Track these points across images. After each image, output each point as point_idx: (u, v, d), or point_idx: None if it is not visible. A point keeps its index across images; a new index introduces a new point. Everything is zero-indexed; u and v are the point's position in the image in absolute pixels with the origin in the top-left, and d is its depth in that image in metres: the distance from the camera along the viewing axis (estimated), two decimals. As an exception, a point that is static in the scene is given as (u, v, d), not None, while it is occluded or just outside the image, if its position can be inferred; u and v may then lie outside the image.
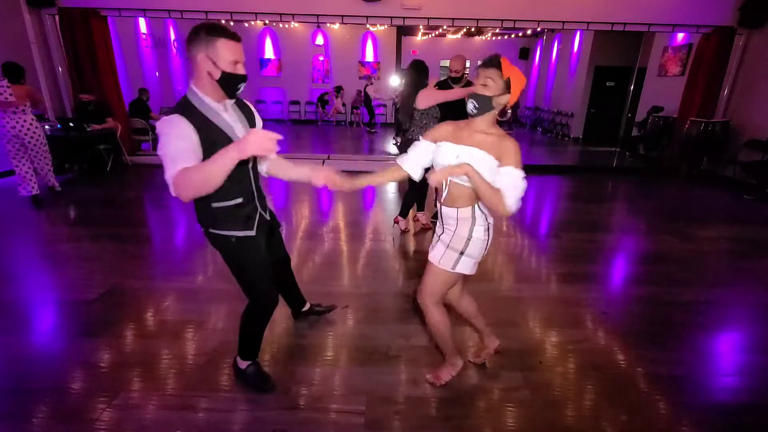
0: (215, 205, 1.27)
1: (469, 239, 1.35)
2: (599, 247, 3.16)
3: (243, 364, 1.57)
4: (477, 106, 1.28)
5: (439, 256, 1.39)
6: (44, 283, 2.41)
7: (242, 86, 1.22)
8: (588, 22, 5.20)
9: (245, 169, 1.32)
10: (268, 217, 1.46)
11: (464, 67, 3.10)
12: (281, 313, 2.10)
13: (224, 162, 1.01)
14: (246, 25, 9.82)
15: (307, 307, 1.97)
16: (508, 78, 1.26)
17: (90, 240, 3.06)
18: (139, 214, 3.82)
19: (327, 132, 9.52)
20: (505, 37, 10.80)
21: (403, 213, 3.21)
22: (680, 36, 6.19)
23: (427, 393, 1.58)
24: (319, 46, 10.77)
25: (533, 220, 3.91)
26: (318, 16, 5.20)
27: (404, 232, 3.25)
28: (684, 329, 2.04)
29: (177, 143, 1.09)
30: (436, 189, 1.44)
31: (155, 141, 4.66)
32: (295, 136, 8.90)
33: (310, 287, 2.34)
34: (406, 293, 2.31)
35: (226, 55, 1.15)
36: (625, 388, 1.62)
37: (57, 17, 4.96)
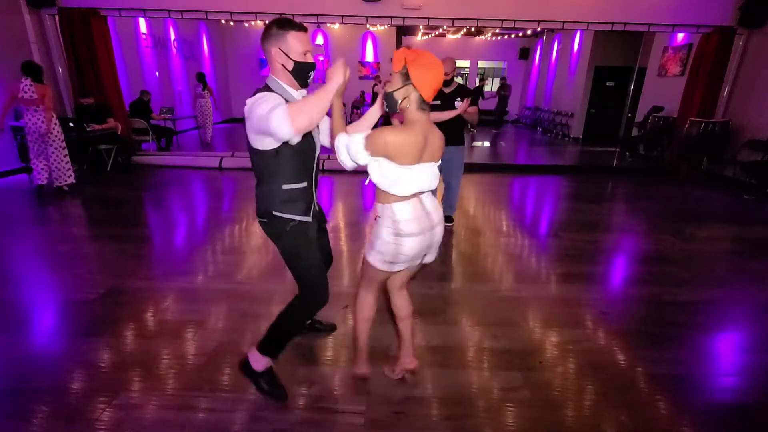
0: (285, 186, 1.34)
1: (378, 236, 1.31)
2: (599, 247, 3.16)
3: (259, 365, 1.48)
4: (386, 104, 1.26)
5: (366, 246, 1.42)
6: (44, 283, 2.41)
7: (312, 74, 1.31)
8: (588, 22, 5.20)
9: (313, 155, 1.39)
10: (317, 209, 1.51)
11: (453, 70, 3.06)
12: (279, 311, 2.10)
13: (325, 93, 1.17)
14: (246, 25, 9.83)
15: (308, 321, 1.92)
16: (404, 68, 1.18)
17: (90, 240, 3.06)
18: (139, 214, 3.82)
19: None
20: (506, 37, 10.80)
21: None
22: (680, 36, 6.19)
23: (427, 393, 1.58)
24: (319, 46, 10.77)
25: (533, 220, 3.91)
26: (318, 16, 5.20)
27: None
28: (684, 329, 2.04)
29: (275, 102, 1.19)
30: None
31: (157, 140, 4.69)
32: (295, 136, 8.89)
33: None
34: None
35: (296, 46, 1.24)
36: (625, 387, 1.63)
37: (57, 17, 4.96)
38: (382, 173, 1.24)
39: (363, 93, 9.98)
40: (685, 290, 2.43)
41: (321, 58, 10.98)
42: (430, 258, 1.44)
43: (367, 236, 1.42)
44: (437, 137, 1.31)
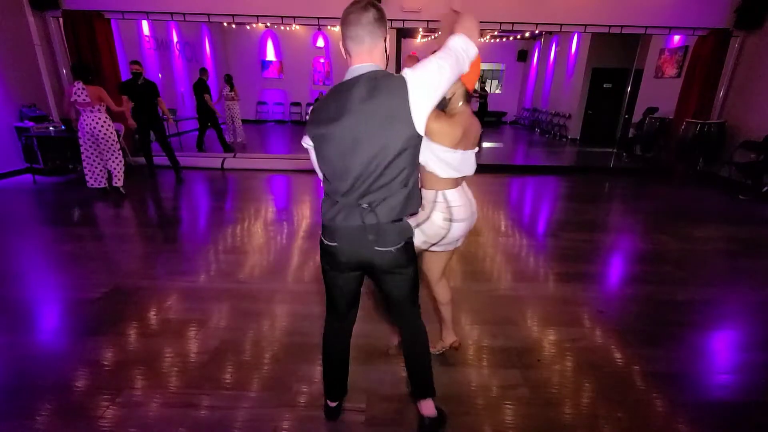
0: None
1: (428, 218, 1.40)
2: (596, 246, 3.19)
3: (432, 409, 1.36)
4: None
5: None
6: (48, 282, 2.42)
7: None
8: (585, 25, 5.24)
9: None
10: None
11: None
12: (282, 310, 2.12)
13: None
14: (248, 27, 9.89)
15: None
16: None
17: (93, 239, 3.08)
18: (142, 213, 3.84)
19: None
20: (504, 39, 10.86)
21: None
22: (676, 38, 6.24)
23: (426, 390, 1.60)
24: (320, 48, 10.83)
25: (531, 220, 3.94)
26: (318, 18, 5.24)
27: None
28: (680, 328, 2.07)
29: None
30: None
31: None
32: (296, 137, 8.93)
33: (311, 286, 2.36)
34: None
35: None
36: (622, 385, 1.65)
37: (61, 19, 5.00)
38: (435, 155, 1.31)
39: None
40: (681, 289, 2.46)
41: (322, 60, 11.04)
42: (460, 243, 1.56)
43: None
44: (476, 126, 1.42)
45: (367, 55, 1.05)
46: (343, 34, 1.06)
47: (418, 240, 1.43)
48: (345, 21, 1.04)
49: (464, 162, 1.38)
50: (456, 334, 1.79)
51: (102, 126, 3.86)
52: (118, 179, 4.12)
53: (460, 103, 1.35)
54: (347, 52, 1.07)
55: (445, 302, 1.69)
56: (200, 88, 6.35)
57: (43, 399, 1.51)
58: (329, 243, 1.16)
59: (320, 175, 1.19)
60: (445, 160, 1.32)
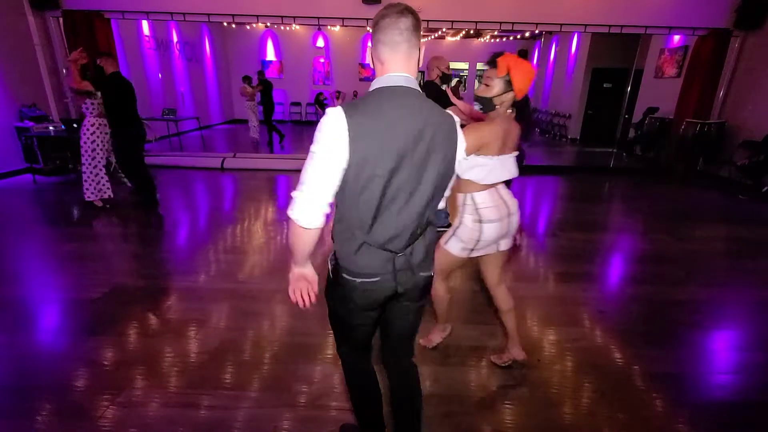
0: None
1: (460, 223, 1.47)
2: (596, 246, 3.19)
3: None
4: (481, 106, 1.36)
5: (445, 236, 1.52)
6: (48, 282, 2.42)
7: None
8: (585, 25, 5.24)
9: None
10: None
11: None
12: (282, 310, 2.12)
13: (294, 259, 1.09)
14: (247, 27, 9.88)
15: None
16: (507, 74, 1.29)
17: (93, 239, 3.08)
18: (141, 213, 3.84)
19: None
20: (504, 39, 10.86)
21: None
22: (676, 38, 6.24)
23: (426, 390, 1.60)
24: (320, 48, 10.82)
25: (531, 220, 3.94)
26: (318, 18, 5.23)
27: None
28: (680, 328, 2.06)
29: None
30: None
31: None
32: (296, 137, 8.94)
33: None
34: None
35: None
36: (622, 385, 1.65)
37: (61, 19, 5.00)
38: (478, 166, 1.35)
39: (356, 93, 10.28)
40: (681, 289, 2.46)
41: (321, 60, 11.04)
42: (505, 245, 1.57)
43: (446, 235, 1.50)
44: (515, 130, 1.44)
45: (403, 63, 0.94)
46: (376, 39, 0.95)
47: (456, 248, 1.47)
48: (379, 25, 0.94)
49: (502, 167, 1.41)
50: (456, 335, 1.79)
51: (81, 130, 3.46)
52: (88, 190, 3.58)
53: (509, 111, 1.39)
54: (378, 58, 0.96)
55: (506, 309, 1.67)
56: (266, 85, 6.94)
57: (43, 399, 1.51)
58: (366, 280, 0.97)
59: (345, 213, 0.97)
60: (488, 167, 1.37)
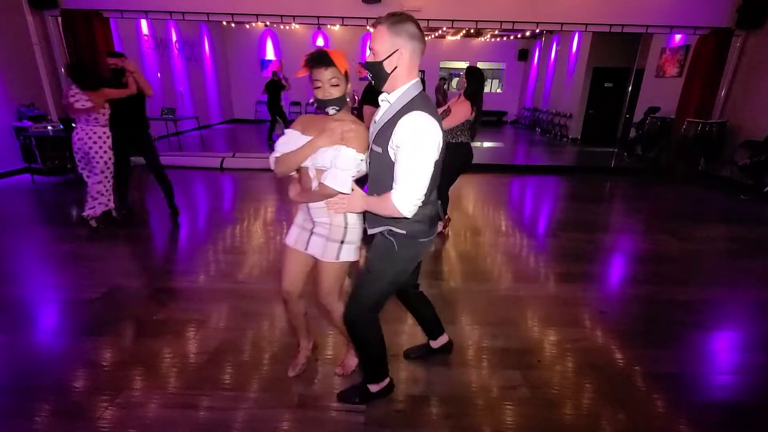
0: None
1: (346, 227, 1.35)
2: (597, 246, 3.18)
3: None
4: (337, 108, 1.25)
5: (321, 251, 1.37)
6: (47, 282, 2.42)
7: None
8: (586, 24, 5.23)
9: None
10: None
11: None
12: (282, 310, 2.11)
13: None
14: (247, 26, 9.86)
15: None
16: (346, 71, 1.25)
17: (91, 239, 3.07)
18: (140, 213, 3.83)
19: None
20: (504, 38, 10.84)
21: None
22: (678, 37, 6.23)
23: (426, 391, 1.59)
24: (320, 47, 10.79)
25: (532, 220, 3.93)
26: (318, 17, 5.22)
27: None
28: (681, 328, 2.06)
29: None
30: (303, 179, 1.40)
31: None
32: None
33: (309, 287, 2.35)
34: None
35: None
36: (623, 386, 1.64)
37: (59, 18, 4.98)
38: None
39: (355, 93, 10.20)
40: (683, 289, 2.45)
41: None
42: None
43: (319, 248, 1.38)
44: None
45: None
46: (413, 47, 1.09)
47: (352, 253, 1.39)
48: (416, 35, 1.08)
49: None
50: (456, 334, 1.78)
51: (95, 143, 3.02)
52: (91, 207, 3.13)
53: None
54: (408, 63, 1.10)
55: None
56: (274, 86, 7.47)
57: (42, 399, 1.50)
58: (432, 237, 1.30)
59: (424, 189, 1.12)
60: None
